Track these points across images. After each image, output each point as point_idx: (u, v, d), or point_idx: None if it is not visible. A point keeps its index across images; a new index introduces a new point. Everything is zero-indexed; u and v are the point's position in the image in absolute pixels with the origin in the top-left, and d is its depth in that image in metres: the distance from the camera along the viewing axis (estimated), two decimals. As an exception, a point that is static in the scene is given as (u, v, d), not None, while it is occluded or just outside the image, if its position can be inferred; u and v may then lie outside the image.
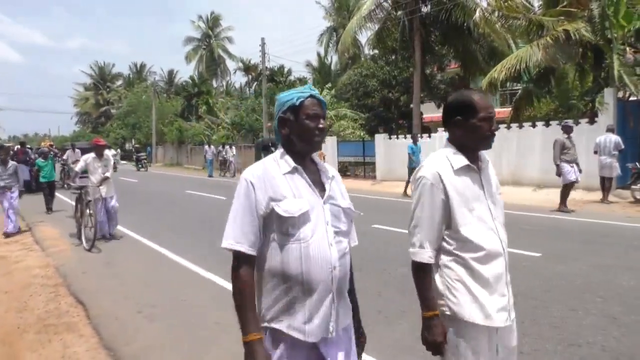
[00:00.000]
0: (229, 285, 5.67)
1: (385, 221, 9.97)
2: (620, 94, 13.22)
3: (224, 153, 27.71)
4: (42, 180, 13.25)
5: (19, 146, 20.13)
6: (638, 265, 6.12)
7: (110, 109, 65.87)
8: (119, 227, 10.17)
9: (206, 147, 29.37)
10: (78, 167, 8.85)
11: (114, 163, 22.82)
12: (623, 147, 11.96)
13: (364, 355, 3.70)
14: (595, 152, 12.24)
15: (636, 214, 10.42)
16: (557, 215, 10.43)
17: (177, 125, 42.12)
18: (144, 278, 6.36)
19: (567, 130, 11.03)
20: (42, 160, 13.44)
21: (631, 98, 13.30)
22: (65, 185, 16.10)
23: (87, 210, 8.26)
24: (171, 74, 65.54)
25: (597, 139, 12.27)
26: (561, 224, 9.44)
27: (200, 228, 10.11)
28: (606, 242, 7.68)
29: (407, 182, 14.21)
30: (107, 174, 8.67)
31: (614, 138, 11.93)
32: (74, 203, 9.20)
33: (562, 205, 10.90)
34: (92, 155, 8.68)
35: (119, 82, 69.80)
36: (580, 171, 10.94)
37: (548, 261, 6.46)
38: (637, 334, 4.02)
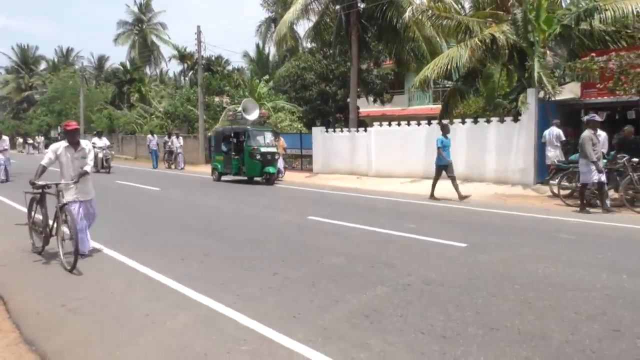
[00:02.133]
0: (159, 277, 5.60)
1: (320, 213, 10.09)
2: (542, 94, 14.06)
3: (169, 143, 26.10)
4: None
5: None
6: (552, 255, 6.57)
7: (34, 94, 62.08)
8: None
9: (150, 136, 27.50)
10: (45, 161, 6.46)
11: (104, 157, 21.73)
12: (564, 138, 13.22)
13: (295, 343, 3.80)
14: (544, 143, 13.45)
15: (554, 207, 11.16)
16: (481, 208, 10.96)
17: (107, 113, 40.42)
18: (65, 271, 6.08)
19: (594, 125, 10.27)
20: None
21: (554, 98, 14.15)
22: None
23: (63, 217, 6.15)
24: (101, 59, 62.73)
25: (544, 132, 13.53)
26: (485, 217, 9.95)
27: (131, 219, 9.80)
28: (526, 233, 8.18)
29: (435, 183, 12.67)
30: (87, 168, 6.59)
31: (556, 131, 13.23)
32: (27, 206, 7.11)
33: (583, 207, 10.28)
34: (63, 144, 6.59)
35: (43, 66, 65.82)
36: (600, 171, 10.12)
37: (472, 251, 6.81)
38: (549, 318, 4.33)
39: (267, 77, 30.80)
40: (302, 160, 22.54)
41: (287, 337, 3.93)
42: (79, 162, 6.56)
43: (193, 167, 25.82)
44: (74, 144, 6.58)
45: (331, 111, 27.45)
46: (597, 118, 10.48)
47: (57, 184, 6.35)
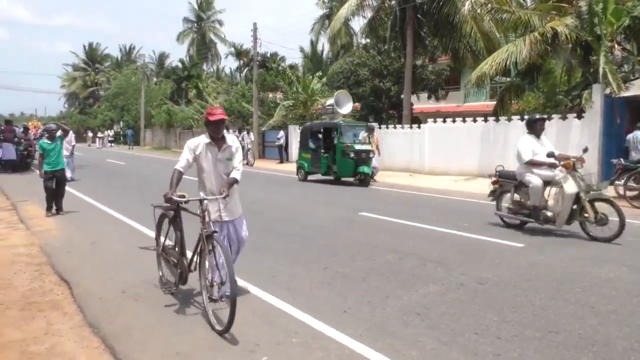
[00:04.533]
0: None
1: (372, 209, 10.03)
2: (608, 91, 13.35)
3: (240, 139, 24.74)
4: (46, 169, 9.50)
5: (3, 124, 19.67)
6: (615, 258, 6.24)
7: (99, 90, 65.11)
8: (105, 208, 10.14)
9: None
10: (181, 164, 4.51)
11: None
12: None
13: (345, 337, 3.80)
14: (626, 148, 12.51)
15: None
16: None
17: (166, 109, 41.81)
18: (129, 259, 6.36)
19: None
20: (48, 142, 9.56)
21: (619, 95, 13.42)
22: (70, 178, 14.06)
23: (209, 248, 4.18)
24: (162, 57, 64.93)
25: (628, 136, 12.59)
26: (545, 217, 9.56)
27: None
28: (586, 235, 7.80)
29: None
30: (237, 175, 4.60)
31: None
32: (155, 226, 5.25)
33: None
34: (203, 140, 4.60)
35: (108, 64, 68.86)
36: None
37: (530, 252, 6.57)
38: (612, 323, 4.12)
39: (320, 73, 30.88)
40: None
41: (338, 331, 3.94)
42: (224, 165, 4.60)
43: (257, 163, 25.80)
44: (218, 140, 4.60)
45: (384, 107, 27.18)
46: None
47: (201, 201, 4.31)
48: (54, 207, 9.66)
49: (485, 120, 16.65)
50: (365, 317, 4.27)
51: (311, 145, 16.73)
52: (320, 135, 16.70)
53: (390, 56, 26.08)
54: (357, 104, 20.09)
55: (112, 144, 46.49)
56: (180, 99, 46.10)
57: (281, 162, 25.34)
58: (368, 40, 28.02)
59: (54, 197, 9.65)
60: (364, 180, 15.01)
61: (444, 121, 18.13)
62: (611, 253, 6.53)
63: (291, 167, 21.74)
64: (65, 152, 11.81)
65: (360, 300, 4.71)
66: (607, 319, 4.22)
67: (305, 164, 16.67)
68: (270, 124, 28.36)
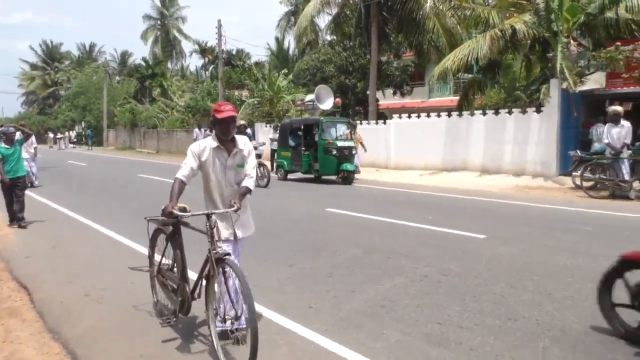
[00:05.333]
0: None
1: (337, 205, 10.09)
2: (565, 85, 13.78)
3: (202, 137, 24.46)
4: (6, 175, 8.54)
5: None
6: (573, 246, 6.48)
7: (59, 89, 63.27)
8: (65, 211, 9.89)
9: (196, 130, 24.15)
10: (184, 172, 3.75)
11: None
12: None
13: (311, 332, 3.83)
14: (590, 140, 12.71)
15: (576, 199, 10.97)
16: (502, 200, 10.84)
17: (130, 108, 40.96)
18: (91, 261, 6.23)
19: None
20: (6, 146, 8.66)
21: (576, 91, 13.85)
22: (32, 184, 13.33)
23: (219, 272, 3.46)
24: (125, 55, 63.49)
25: (590, 128, 13.12)
26: (506, 209, 9.84)
27: (153, 212, 9.95)
28: (547, 225, 8.07)
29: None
30: (250, 184, 3.84)
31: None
32: (148, 243, 4.54)
33: None
34: (210, 143, 3.83)
35: (68, 62, 66.93)
36: None
37: (492, 243, 6.74)
38: (568, 308, 4.28)
39: (286, 70, 30.80)
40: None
41: (304, 326, 3.97)
42: (235, 173, 3.84)
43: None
44: (228, 143, 3.81)
45: (351, 104, 27.33)
46: None
47: (209, 215, 3.54)
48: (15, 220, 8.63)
49: (449, 115, 16.95)
50: (331, 312, 4.31)
51: (291, 142, 16.13)
52: (300, 132, 16.12)
53: (356, 53, 26.24)
54: (337, 99, 19.41)
55: (75, 145, 45.30)
56: (144, 97, 45.21)
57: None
58: (334, 37, 28.10)
59: (19, 206, 8.69)
60: (347, 178, 14.59)
61: (409, 117, 18.36)
62: (569, 242, 6.76)
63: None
64: (25, 155, 11.35)
65: (325, 296, 4.75)
66: (564, 305, 4.38)
67: (285, 163, 16.05)
68: (283, 121, 28.13)
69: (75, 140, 45.96)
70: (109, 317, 4.36)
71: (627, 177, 10.58)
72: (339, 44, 27.86)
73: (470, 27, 18.34)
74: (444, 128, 16.81)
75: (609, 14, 14.31)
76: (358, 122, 20.44)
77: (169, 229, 4.05)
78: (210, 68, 49.21)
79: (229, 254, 3.48)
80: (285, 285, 5.11)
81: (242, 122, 14.30)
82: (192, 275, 3.88)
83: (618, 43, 12.45)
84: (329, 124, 15.45)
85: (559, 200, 10.91)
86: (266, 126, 25.76)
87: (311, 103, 16.36)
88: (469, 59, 15.23)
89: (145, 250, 6.59)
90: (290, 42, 42.59)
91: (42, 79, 64.69)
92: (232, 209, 3.57)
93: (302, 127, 16.09)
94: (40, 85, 64.61)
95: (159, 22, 58.45)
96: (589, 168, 11.35)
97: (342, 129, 15.60)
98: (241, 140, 3.89)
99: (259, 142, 18.88)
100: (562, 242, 6.77)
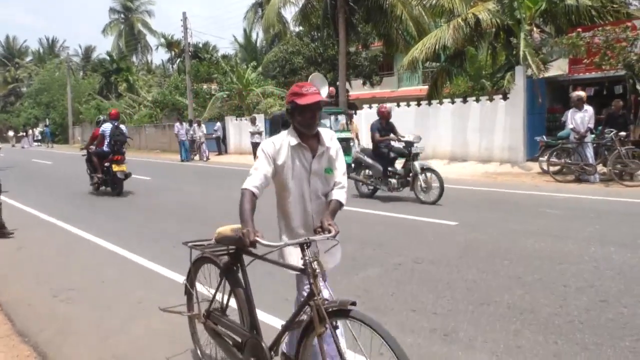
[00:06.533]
0: (149, 264, 5.60)
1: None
2: (530, 72, 14.05)
3: (191, 132, 22.93)
4: None
5: None
6: (541, 230, 6.64)
7: (20, 86, 61.29)
8: (31, 210, 9.61)
9: (177, 124, 23.16)
10: (255, 181, 2.69)
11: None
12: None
13: (282, 322, 3.81)
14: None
15: (543, 183, 11.25)
16: (472, 187, 11.03)
17: (95, 104, 40.03)
18: (59, 262, 6.08)
19: None
20: None
21: (539, 77, 14.13)
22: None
23: (327, 326, 2.39)
24: (88, 50, 61.83)
25: (565, 113, 12.52)
26: (476, 195, 10.01)
27: (124, 209, 9.76)
28: (516, 210, 8.25)
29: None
30: (342, 196, 2.96)
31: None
32: (187, 275, 3.42)
33: None
34: (287, 139, 2.76)
35: (30, 58, 64.85)
36: None
37: (463, 229, 6.85)
38: (538, 291, 4.39)
39: (254, 63, 30.53)
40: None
41: (279, 319, 3.95)
42: (322, 181, 2.88)
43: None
44: (311, 139, 2.79)
45: (321, 95, 27.32)
46: None
47: (304, 245, 2.52)
48: None
49: (419, 105, 17.10)
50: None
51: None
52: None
53: (324, 43, 26.17)
54: (332, 87, 18.50)
55: (39, 144, 44.03)
56: (110, 93, 44.23)
57: (219, 153, 24.94)
58: (301, 29, 27.96)
59: None
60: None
61: (379, 107, 18.40)
62: (537, 226, 6.92)
63: (238, 159, 21.57)
64: None
65: (301, 288, 4.74)
66: (533, 288, 4.48)
67: None
68: (206, 117, 27.81)
69: (39, 138, 44.68)
70: (79, 318, 4.27)
71: (591, 161, 10.88)
72: (307, 35, 27.75)
73: (437, 16, 18.48)
74: (413, 117, 16.94)
75: (570, 1, 14.61)
76: (353, 111, 19.24)
77: (224, 259, 2.97)
78: (177, 62, 48.35)
79: (354, 304, 2.38)
80: (260, 279, 5.07)
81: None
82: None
83: (579, 29, 12.73)
84: (324, 115, 14.21)
85: (526, 185, 11.16)
86: (236, 119, 25.56)
87: None
88: (437, 47, 15.37)
89: (107, 244, 6.54)
90: (258, 34, 42.23)
91: (2, 75, 62.53)
92: (330, 234, 2.67)
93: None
94: (1, 83, 62.46)
95: (122, 15, 57.09)
96: (555, 153, 11.63)
97: (338, 119, 14.91)
98: (326, 135, 2.82)
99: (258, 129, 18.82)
100: (530, 225, 6.92)
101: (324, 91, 15.82)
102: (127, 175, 11.42)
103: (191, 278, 3.35)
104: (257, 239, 2.45)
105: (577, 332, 3.57)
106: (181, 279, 5.01)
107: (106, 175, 11.50)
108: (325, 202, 2.92)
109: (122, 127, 12.06)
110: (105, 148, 11.50)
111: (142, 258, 5.93)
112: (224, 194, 11.16)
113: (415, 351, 3.33)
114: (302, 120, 2.70)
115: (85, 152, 12.42)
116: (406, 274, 5.01)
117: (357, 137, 15.94)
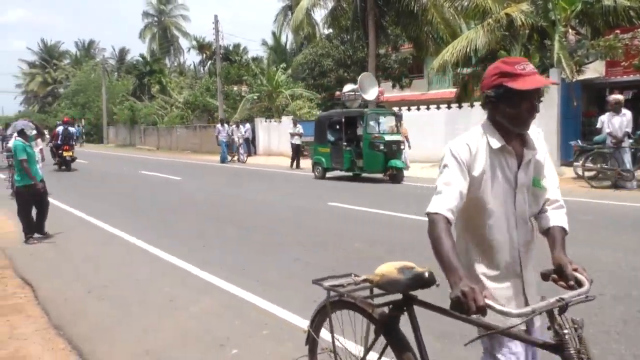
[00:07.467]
0: (181, 263, 5.70)
1: (341, 199, 10.09)
2: (563, 75, 13.74)
3: (230, 133, 22.67)
4: (25, 182, 7.05)
5: None
6: (573, 235, 6.33)
7: (58, 87, 63.16)
8: (67, 208, 9.89)
9: (219, 126, 22.97)
10: (448, 202, 1.86)
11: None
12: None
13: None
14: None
15: (578, 189, 10.95)
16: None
17: (129, 105, 40.91)
18: (94, 259, 6.24)
19: None
20: (28, 144, 7.21)
21: (573, 81, 13.80)
22: None
23: None
24: (122, 52, 63.29)
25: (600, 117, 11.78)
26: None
27: (156, 209, 9.96)
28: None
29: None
30: (560, 218, 2.18)
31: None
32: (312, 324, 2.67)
33: None
34: (486, 140, 1.97)
35: (67, 60, 66.78)
36: None
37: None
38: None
39: (284, 65, 30.73)
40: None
41: (308, 320, 3.97)
42: (532, 197, 2.10)
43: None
44: (514, 140, 1.98)
45: (350, 98, 27.31)
46: None
47: (562, 308, 1.70)
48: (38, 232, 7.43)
49: (449, 108, 16.92)
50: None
51: (330, 137, 14.66)
52: (338, 127, 14.69)
53: (354, 46, 26.15)
54: (381, 87, 17.81)
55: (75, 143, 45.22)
56: (143, 94, 45.14)
57: (249, 155, 25.18)
58: (331, 31, 28.02)
59: (36, 216, 7.41)
60: (396, 176, 12.90)
61: (409, 109, 18.33)
62: (570, 230, 6.71)
63: (267, 161, 21.71)
64: None
65: (329, 289, 4.74)
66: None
67: (324, 160, 14.50)
68: (236, 118, 28.13)
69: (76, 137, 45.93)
70: (113, 314, 4.37)
71: (628, 167, 10.57)
72: (336, 38, 27.77)
73: (469, 18, 18.25)
74: (443, 120, 16.78)
75: (607, 2, 14.22)
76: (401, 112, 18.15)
77: (381, 312, 2.23)
78: (208, 64, 49.10)
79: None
80: (289, 279, 5.12)
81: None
82: None
83: (617, 31, 12.40)
84: (374, 116, 14.04)
85: (560, 190, 10.88)
86: (266, 121, 25.78)
87: (352, 94, 14.86)
88: (468, 50, 15.18)
89: (140, 242, 6.70)
90: (288, 37, 42.54)
91: (42, 77, 64.60)
92: (586, 288, 1.78)
93: (343, 120, 14.48)
94: (40, 84, 64.52)
95: (155, 19, 58.29)
96: (590, 158, 11.32)
97: (388, 122, 14.38)
98: (533, 133, 2.03)
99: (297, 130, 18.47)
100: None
101: (374, 92, 15.23)
102: (73, 159, 18.62)
103: (316, 329, 2.60)
104: (491, 304, 1.63)
105: (613, 342, 3.47)
106: (211, 278, 5.11)
107: (60, 157, 18.33)
108: (531, 229, 2.09)
109: (71, 128, 20.05)
110: (59, 142, 18.34)
111: (174, 257, 6.03)
112: (261, 197, 11.25)
113: None
114: (515, 114, 1.88)
115: (52, 144, 18.81)
116: (436, 274, 4.95)
117: (407, 139, 15.50)
